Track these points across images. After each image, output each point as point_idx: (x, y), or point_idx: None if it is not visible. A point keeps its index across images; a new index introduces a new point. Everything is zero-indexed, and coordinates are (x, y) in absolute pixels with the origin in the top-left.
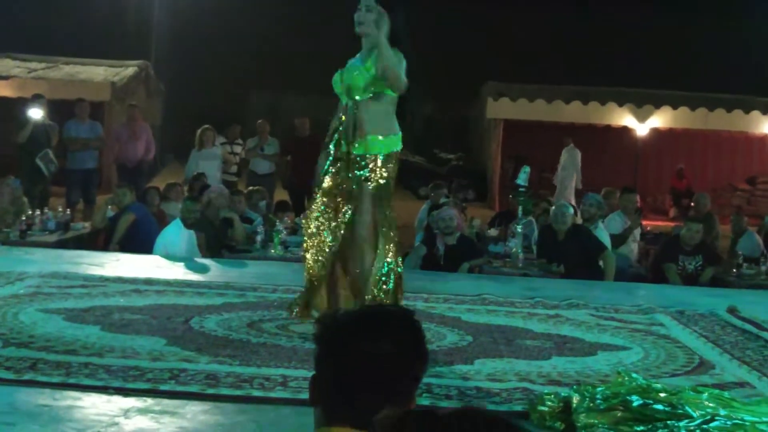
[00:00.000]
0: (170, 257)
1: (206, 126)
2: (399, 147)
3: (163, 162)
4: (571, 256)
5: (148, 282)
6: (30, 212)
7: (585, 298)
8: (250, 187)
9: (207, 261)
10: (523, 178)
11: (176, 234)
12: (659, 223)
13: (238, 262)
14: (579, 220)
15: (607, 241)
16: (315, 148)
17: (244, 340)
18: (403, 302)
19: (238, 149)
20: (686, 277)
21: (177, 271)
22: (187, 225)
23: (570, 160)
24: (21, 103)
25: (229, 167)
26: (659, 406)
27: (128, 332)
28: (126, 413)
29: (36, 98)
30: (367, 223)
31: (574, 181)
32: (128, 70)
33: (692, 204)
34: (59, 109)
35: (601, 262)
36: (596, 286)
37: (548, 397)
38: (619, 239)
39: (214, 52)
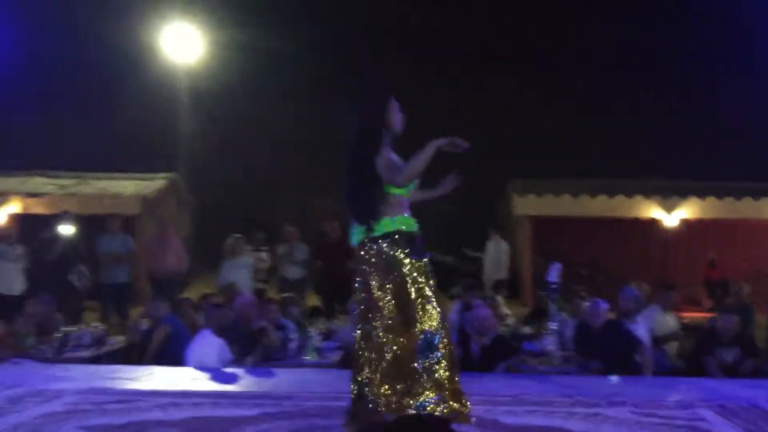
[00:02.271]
0: (203, 368)
1: (236, 235)
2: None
3: (196, 273)
4: (608, 351)
5: (184, 394)
6: (65, 328)
7: (624, 395)
8: (283, 294)
9: (241, 370)
10: (554, 275)
11: (207, 343)
12: (694, 314)
13: (273, 370)
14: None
15: (645, 336)
16: (345, 251)
17: None
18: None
19: (264, 256)
20: (725, 369)
21: (212, 382)
22: (218, 333)
23: (495, 252)
24: (52, 220)
25: (258, 274)
26: None
27: None
28: None
29: (64, 215)
30: None
31: (501, 273)
32: (157, 182)
33: (729, 294)
34: (91, 224)
35: (638, 357)
36: (636, 381)
37: None
38: (663, 340)
39: (240, 159)
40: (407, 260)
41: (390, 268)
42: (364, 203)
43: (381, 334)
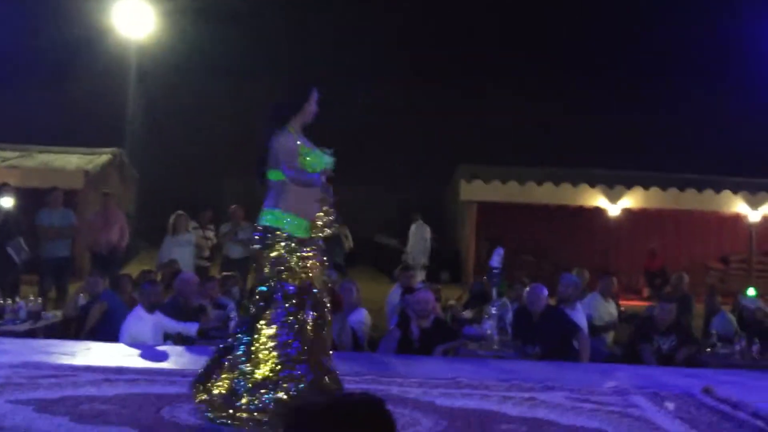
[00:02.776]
0: (138, 345)
1: (179, 212)
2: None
3: (137, 249)
4: (547, 337)
5: (119, 371)
6: (1, 301)
7: (560, 380)
8: (224, 273)
9: (178, 348)
10: (496, 260)
11: (139, 320)
12: (633, 303)
13: (209, 348)
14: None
15: (584, 322)
16: None
17: (216, 429)
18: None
19: (210, 234)
20: (661, 357)
21: (148, 360)
22: (150, 310)
23: (419, 235)
24: None
25: (202, 252)
26: None
27: (98, 423)
28: None
29: (3, 187)
30: None
31: (425, 257)
32: (102, 157)
33: (669, 284)
34: (33, 198)
35: (576, 344)
36: (572, 367)
37: None
38: (602, 329)
39: (188, 138)
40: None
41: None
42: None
43: None
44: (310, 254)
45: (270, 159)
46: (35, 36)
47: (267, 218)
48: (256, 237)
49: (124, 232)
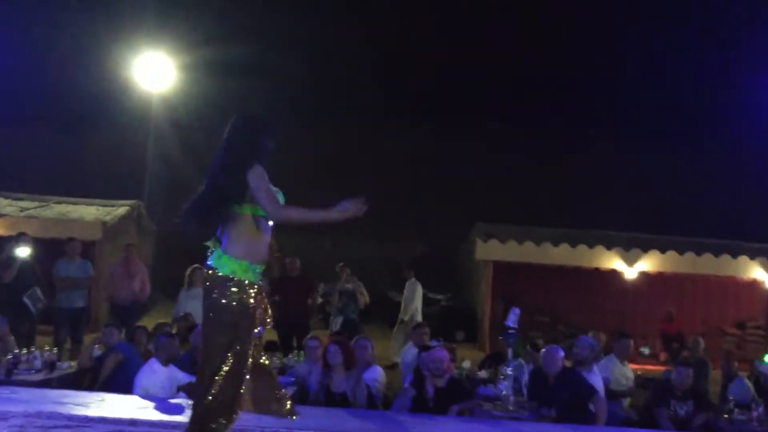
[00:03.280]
0: (151, 397)
1: (195, 265)
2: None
3: (153, 301)
4: (562, 399)
5: (133, 423)
6: (17, 350)
7: None
8: None
9: (190, 402)
10: (512, 320)
11: (153, 373)
12: (649, 367)
13: None
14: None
15: (600, 385)
16: (305, 287)
17: None
18: None
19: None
20: (677, 422)
21: (161, 412)
22: (165, 362)
23: (410, 294)
24: (8, 242)
25: None
26: None
27: None
28: None
29: (20, 236)
30: None
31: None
32: (120, 209)
33: (684, 347)
34: (50, 248)
35: (592, 407)
36: (587, 430)
37: None
38: (619, 394)
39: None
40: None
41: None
42: (206, 214)
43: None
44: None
45: (248, 193)
46: (56, 87)
47: (231, 267)
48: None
49: (145, 284)
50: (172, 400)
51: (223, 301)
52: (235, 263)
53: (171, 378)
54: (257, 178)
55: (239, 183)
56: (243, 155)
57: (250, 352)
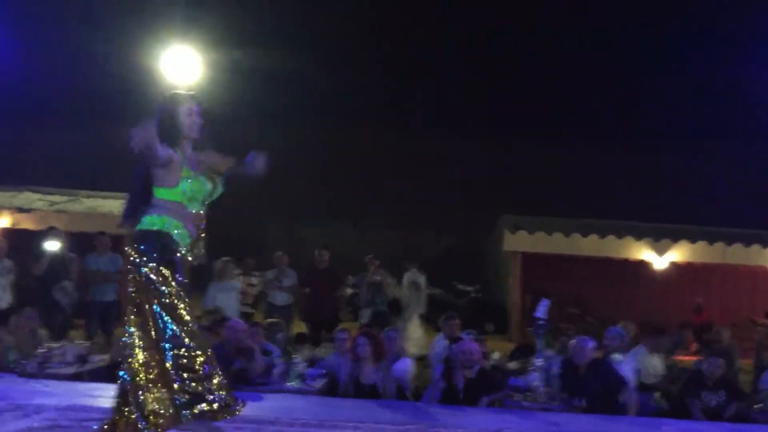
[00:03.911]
0: None
1: (225, 258)
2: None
3: None
4: (593, 390)
5: None
6: (48, 344)
7: None
8: (269, 319)
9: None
10: (542, 311)
11: None
12: (681, 358)
13: (255, 395)
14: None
15: (631, 375)
16: (333, 280)
17: None
18: None
19: (253, 281)
20: (709, 412)
21: None
22: None
23: (412, 285)
24: (38, 236)
25: (247, 299)
26: None
27: None
28: None
29: (51, 231)
30: None
31: (421, 307)
32: None
33: (710, 339)
34: (80, 242)
35: (622, 397)
36: (618, 421)
37: None
38: (650, 387)
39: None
40: (148, 265)
41: (130, 276)
42: (129, 202)
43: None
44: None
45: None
46: (84, 81)
47: (153, 222)
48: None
49: None
50: None
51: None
52: (156, 218)
53: None
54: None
55: (147, 175)
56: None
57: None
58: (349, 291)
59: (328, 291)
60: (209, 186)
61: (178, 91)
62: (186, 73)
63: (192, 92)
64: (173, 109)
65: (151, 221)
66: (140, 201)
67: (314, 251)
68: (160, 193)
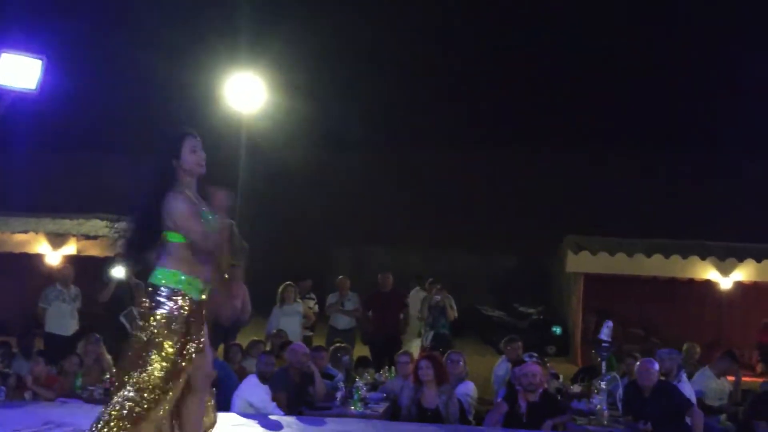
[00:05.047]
0: (248, 414)
1: (288, 282)
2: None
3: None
4: (658, 413)
5: None
6: (114, 370)
7: None
8: (335, 344)
9: (286, 418)
10: (606, 333)
11: (254, 389)
12: (747, 379)
13: (318, 419)
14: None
15: (691, 394)
16: (397, 303)
17: None
18: None
19: (311, 303)
20: None
21: (256, 429)
22: (264, 380)
23: (415, 303)
24: (107, 263)
25: (307, 322)
26: None
27: None
28: None
29: (117, 257)
30: None
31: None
32: None
33: None
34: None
35: (688, 419)
36: None
37: None
38: (716, 410)
39: (297, 208)
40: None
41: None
42: (134, 243)
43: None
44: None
45: (166, 222)
46: (150, 108)
47: (163, 277)
48: (160, 295)
49: (246, 304)
50: (269, 417)
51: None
52: (167, 272)
53: (268, 395)
54: (173, 208)
55: (156, 217)
56: (155, 187)
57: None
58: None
59: (392, 314)
60: (216, 222)
61: (178, 128)
62: (249, 99)
63: (190, 130)
64: (178, 147)
65: (162, 275)
66: (148, 241)
67: (378, 275)
68: (172, 237)
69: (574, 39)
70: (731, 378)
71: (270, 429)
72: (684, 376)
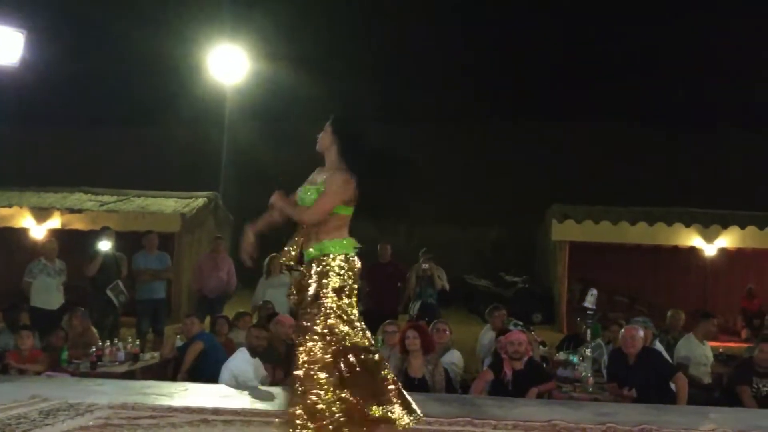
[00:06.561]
0: (237, 385)
1: (273, 254)
2: (336, 251)
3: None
4: (643, 379)
5: (216, 412)
6: (100, 343)
7: (657, 423)
8: None
9: (274, 389)
10: (590, 301)
11: (245, 362)
12: (731, 344)
13: None
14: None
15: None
16: (394, 274)
17: None
18: None
19: (297, 275)
20: (761, 399)
21: (244, 400)
22: (254, 354)
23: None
24: (91, 236)
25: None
26: None
27: None
28: None
29: (104, 231)
30: None
31: None
32: (198, 201)
33: (763, 324)
34: (131, 241)
35: (673, 385)
36: (669, 410)
37: None
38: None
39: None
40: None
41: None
42: None
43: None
44: None
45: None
46: (132, 82)
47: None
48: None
49: (232, 276)
50: (257, 388)
51: None
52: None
53: (257, 369)
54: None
55: None
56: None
57: None
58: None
59: (391, 285)
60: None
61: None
62: (233, 70)
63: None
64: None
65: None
66: None
67: (378, 245)
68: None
69: (554, 9)
70: (716, 343)
71: (258, 399)
72: (658, 344)
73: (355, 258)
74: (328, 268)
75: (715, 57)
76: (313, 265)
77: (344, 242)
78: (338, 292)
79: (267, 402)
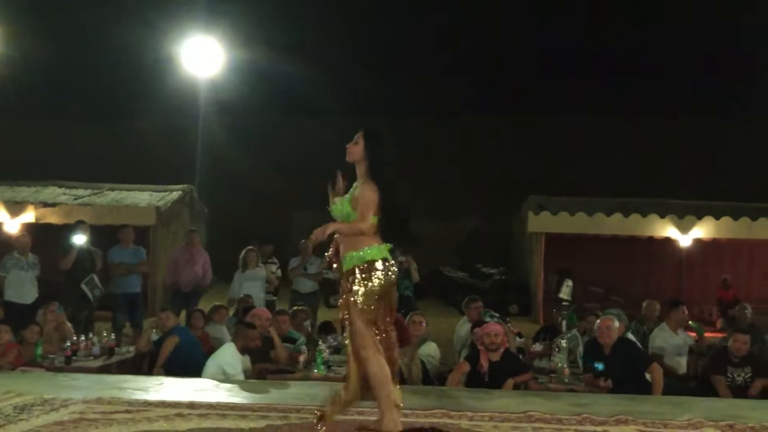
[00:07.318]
0: (225, 379)
1: (249, 247)
2: (376, 256)
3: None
4: (618, 370)
5: (192, 406)
6: (75, 338)
7: (633, 413)
8: (295, 307)
9: (250, 383)
10: (566, 292)
11: (234, 357)
12: (707, 334)
13: (281, 383)
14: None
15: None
16: None
17: None
18: None
19: (273, 268)
20: (735, 389)
21: (220, 394)
22: (243, 351)
23: None
24: (66, 230)
25: (269, 287)
26: None
27: None
28: None
29: (79, 224)
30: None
31: None
32: (172, 194)
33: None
34: (105, 235)
35: (648, 376)
36: (644, 400)
37: None
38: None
39: (256, 173)
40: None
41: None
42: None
43: None
44: None
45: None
46: (105, 75)
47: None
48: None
49: (207, 270)
50: (233, 381)
51: None
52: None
53: (245, 363)
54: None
55: None
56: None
57: None
58: None
59: None
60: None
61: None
62: (207, 63)
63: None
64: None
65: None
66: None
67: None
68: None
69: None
70: (691, 333)
71: (234, 393)
72: (630, 335)
73: (392, 261)
74: (370, 272)
75: (689, 48)
76: (357, 270)
77: (382, 248)
78: (378, 294)
79: (242, 396)
